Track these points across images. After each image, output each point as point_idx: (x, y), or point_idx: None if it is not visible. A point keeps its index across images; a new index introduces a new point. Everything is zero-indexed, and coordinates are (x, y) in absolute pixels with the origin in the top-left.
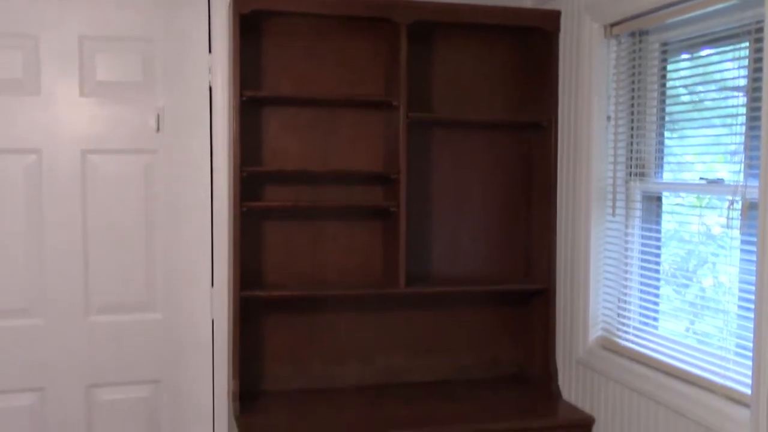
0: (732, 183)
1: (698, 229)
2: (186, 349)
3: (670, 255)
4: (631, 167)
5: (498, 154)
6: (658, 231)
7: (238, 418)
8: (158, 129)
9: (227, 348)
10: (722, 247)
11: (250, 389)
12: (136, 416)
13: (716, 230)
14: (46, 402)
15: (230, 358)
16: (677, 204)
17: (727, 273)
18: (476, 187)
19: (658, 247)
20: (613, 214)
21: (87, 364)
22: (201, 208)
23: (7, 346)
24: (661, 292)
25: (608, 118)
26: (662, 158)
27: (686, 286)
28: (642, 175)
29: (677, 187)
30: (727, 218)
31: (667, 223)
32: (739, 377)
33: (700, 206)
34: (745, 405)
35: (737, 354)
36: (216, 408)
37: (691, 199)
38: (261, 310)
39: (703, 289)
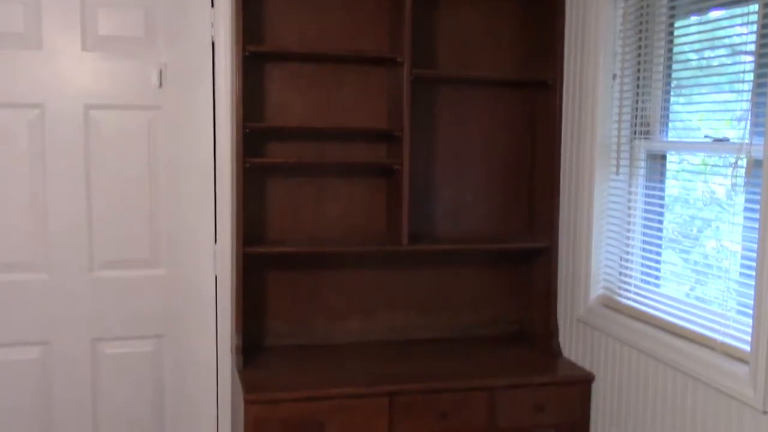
0: (737, 141)
1: (702, 193)
2: (189, 304)
3: (673, 219)
4: (636, 126)
5: (502, 112)
6: (662, 189)
7: (241, 372)
8: (161, 85)
9: (230, 304)
10: (725, 210)
11: (252, 344)
12: (140, 370)
13: (720, 193)
14: (52, 355)
15: (233, 314)
16: (681, 170)
17: (730, 237)
18: (480, 145)
19: (662, 206)
20: (617, 173)
21: (92, 319)
22: (204, 165)
23: (13, 300)
24: (663, 255)
25: (614, 76)
26: (668, 116)
27: (688, 252)
28: (647, 133)
29: (682, 146)
30: (732, 177)
31: (671, 188)
32: (738, 334)
33: (705, 171)
34: (744, 361)
35: (738, 312)
36: (219, 362)
37: (695, 161)
38: (264, 266)
39: (705, 255)
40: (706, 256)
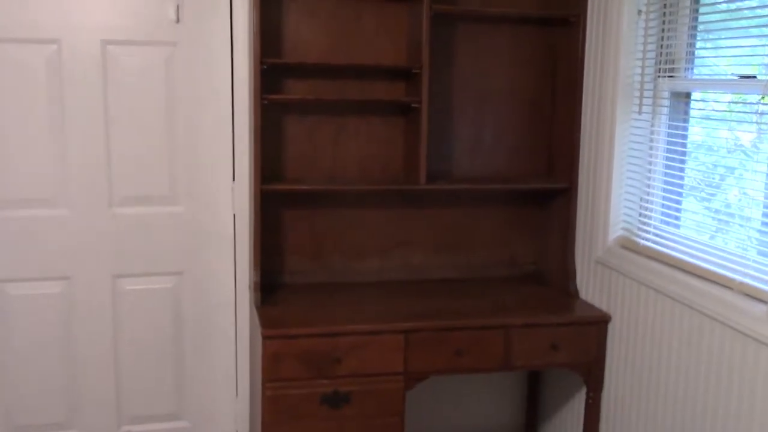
0: (765, 77)
1: (726, 140)
2: (208, 242)
3: (695, 166)
4: (660, 64)
5: (523, 50)
6: (685, 129)
7: (259, 308)
8: (178, 20)
9: (248, 241)
10: (749, 158)
11: (270, 282)
12: (160, 306)
13: (744, 140)
14: (73, 290)
15: (251, 251)
16: (705, 117)
17: (753, 185)
18: (500, 83)
19: (684, 145)
20: (640, 113)
21: (112, 255)
22: (221, 101)
23: (34, 236)
24: (683, 204)
25: (639, 12)
26: (693, 54)
27: (709, 200)
28: (671, 71)
29: (707, 84)
30: (757, 124)
31: (695, 135)
32: (757, 274)
33: (730, 118)
34: (763, 301)
35: (759, 253)
36: (237, 299)
37: (720, 107)
38: (282, 204)
39: (727, 203)
40: (728, 205)
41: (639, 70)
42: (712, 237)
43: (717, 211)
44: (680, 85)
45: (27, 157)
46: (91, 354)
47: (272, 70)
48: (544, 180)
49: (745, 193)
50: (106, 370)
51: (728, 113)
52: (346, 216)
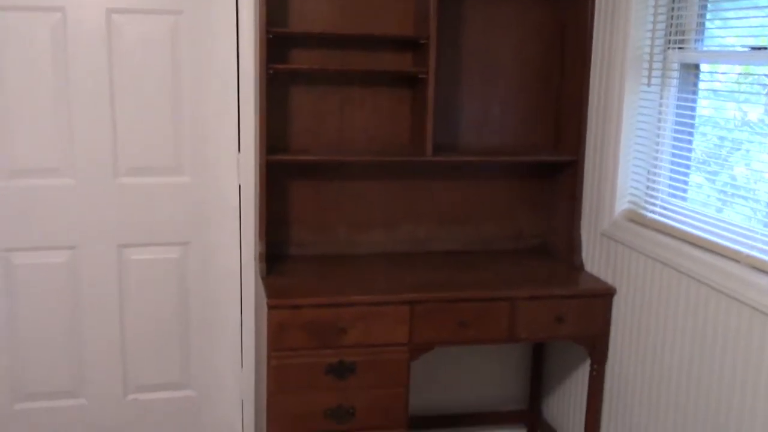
0: None
1: (734, 115)
2: (214, 212)
3: (702, 141)
4: (670, 35)
5: (532, 20)
6: (694, 101)
7: (264, 279)
8: None
9: (254, 212)
10: (757, 132)
11: (276, 253)
12: (166, 276)
13: (753, 115)
14: (79, 260)
15: (256, 222)
16: (713, 90)
17: (760, 159)
18: (508, 55)
19: (693, 117)
20: (649, 84)
21: (117, 225)
22: (227, 71)
23: (39, 205)
24: (690, 177)
25: None
26: (704, 25)
27: (716, 174)
28: (681, 43)
29: (717, 55)
30: (766, 97)
31: (703, 108)
32: (765, 247)
33: (739, 90)
34: None
35: (766, 225)
36: (243, 270)
37: (731, 76)
38: (287, 176)
39: (734, 177)
40: (734, 178)
41: (648, 41)
42: (719, 210)
43: (724, 184)
44: (690, 57)
45: (32, 127)
46: (98, 323)
47: (278, 40)
48: (551, 153)
49: (752, 168)
50: (113, 340)
51: (737, 86)
52: (351, 188)
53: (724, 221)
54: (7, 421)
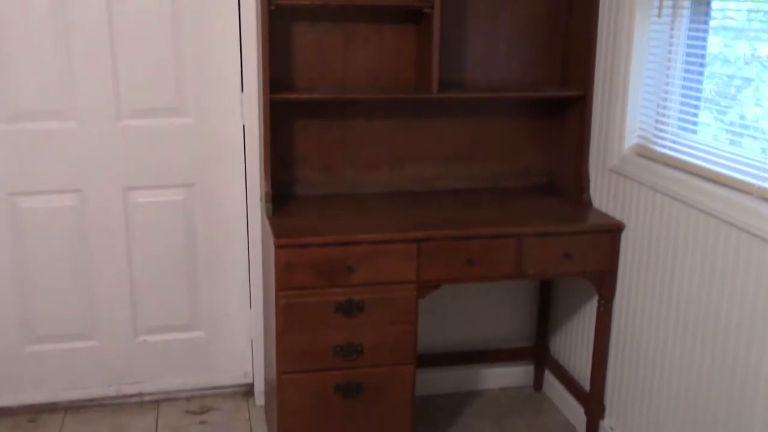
0: None
1: (744, 52)
2: (218, 153)
3: (711, 79)
4: None
5: None
6: (705, 37)
7: (270, 219)
8: None
9: (258, 152)
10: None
11: (281, 193)
12: (172, 218)
13: (762, 52)
14: (85, 203)
15: (261, 162)
16: (723, 27)
17: None
18: None
19: (704, 48)
20: (659, 15)
21: (122, 168)
22: (228, 9)
23: (43, 148)
24: (700, 115)
25: None
26: None
27: (725, 112)
28: None
29: None
30: None
31: (712, 46)
32: None
33: (749, 27)
34: None
35: None
36: (249, 210)
37: (740, 15)
38: (291, 115)
39: (742, 115)
40: (743, 117)
41: None
42: (731, 143)
43: (732, 123)
44: None
45: (33, 69)
46: (106, 266)
47: None
48: (559, 89)
49: (761, 105)
50: (121, 282)
51: (747, 23)
52: (356, 127)
53: (735, 154)
54: (20, 363)
